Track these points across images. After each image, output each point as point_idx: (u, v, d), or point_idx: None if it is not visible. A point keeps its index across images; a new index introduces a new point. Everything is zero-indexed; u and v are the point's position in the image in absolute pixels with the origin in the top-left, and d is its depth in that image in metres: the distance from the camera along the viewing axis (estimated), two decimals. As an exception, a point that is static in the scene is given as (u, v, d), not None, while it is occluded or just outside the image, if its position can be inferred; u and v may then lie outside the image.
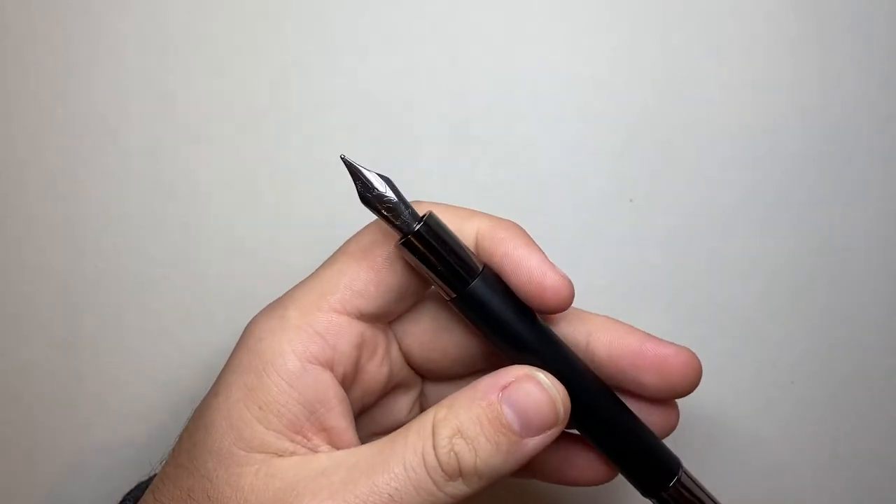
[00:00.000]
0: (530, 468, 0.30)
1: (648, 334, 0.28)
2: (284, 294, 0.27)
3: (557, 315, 0.28)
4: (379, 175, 0.25)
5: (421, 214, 0.25)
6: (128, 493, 0.29)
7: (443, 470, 0.24)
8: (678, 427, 0.35)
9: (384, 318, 0.28)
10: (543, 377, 0.25)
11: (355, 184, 0.25)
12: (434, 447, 0.24)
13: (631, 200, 0.36)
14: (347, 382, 0.27)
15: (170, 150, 0.35)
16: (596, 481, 0.29)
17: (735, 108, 0.35)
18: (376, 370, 0.28)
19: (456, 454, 0.24)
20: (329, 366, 0.26)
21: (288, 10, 0.35)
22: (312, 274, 0.27)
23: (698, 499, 0.28)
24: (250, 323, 0.27)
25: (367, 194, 0.25)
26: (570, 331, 0.28)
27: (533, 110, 0.36)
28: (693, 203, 0.36)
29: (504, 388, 0.25)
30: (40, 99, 0.35)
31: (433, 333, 0.28)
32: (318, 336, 0.26)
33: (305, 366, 0.26)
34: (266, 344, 0.26)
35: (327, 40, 0.35)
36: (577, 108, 0.36)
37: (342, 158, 0.25)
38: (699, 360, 0.27)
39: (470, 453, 0.24)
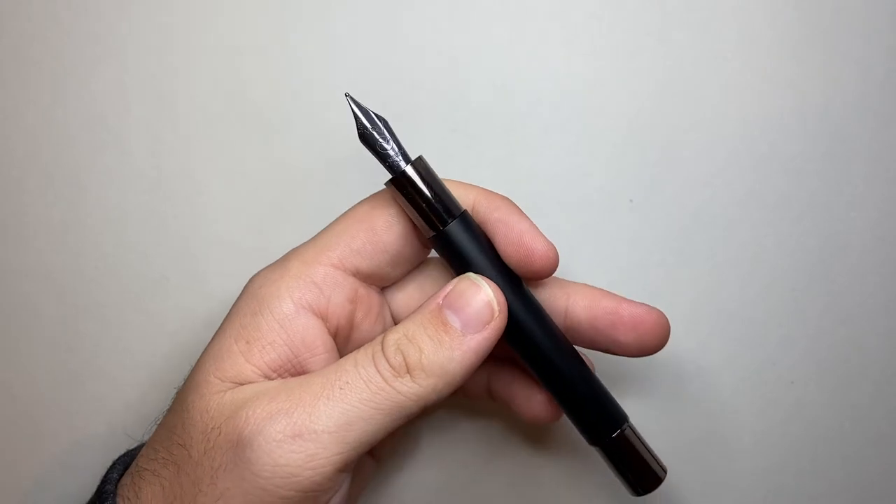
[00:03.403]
0: (494, 398, 0.32)
1: (622, 297, 0.29)
2: (289, 251, 0.29)
3: (538, 281, 0.30)
4: (377, 116, 0.27)
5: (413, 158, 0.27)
6: (117, 459, 0.29)
7: (389, 364, 0.26)
8: (678, 427, 0.35)
9: (379, 280, 0.29)
10: (476, 277, 0.27)
11: (356, 121, 0.27)
12: (383, 348, 0.26)
13: (631, 200, 0.36)
14: (342, 336, 0.29)
15: (170, 150, 0.35)
16: (545, 420, 0.31)
17: (735, 108, 0.36)
18: (370, 328, 0.29)
19: (402, 352, 0.26)
20: (323, 316, 0.28)
21: (288, 9, 0.35)
22: (317, 234, 0.29)
23: (638, 452, 0.29)
24: (254, 275, 0.29)
25: (365, 132, 0.27)
26: (549, 295, 0.30)
27: (533, 110, 0.36)
28: (693, 203, 0.36)
29: (445, 296, 0.27)
30: (40, 99, 0.35)
31: (420, 299, 0.30)
32: (314, 286, 0.27)
33: (299, 310, 0.27)
34: (265, 290, 0.27)
35: (327, 41, 0.35)
36: (577, 108, 0.36)
37: (346, 95, 0.27)
38: (667, 319, 0.29)
39: (415, 350, 0.26)
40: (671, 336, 0.35)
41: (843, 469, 0.36)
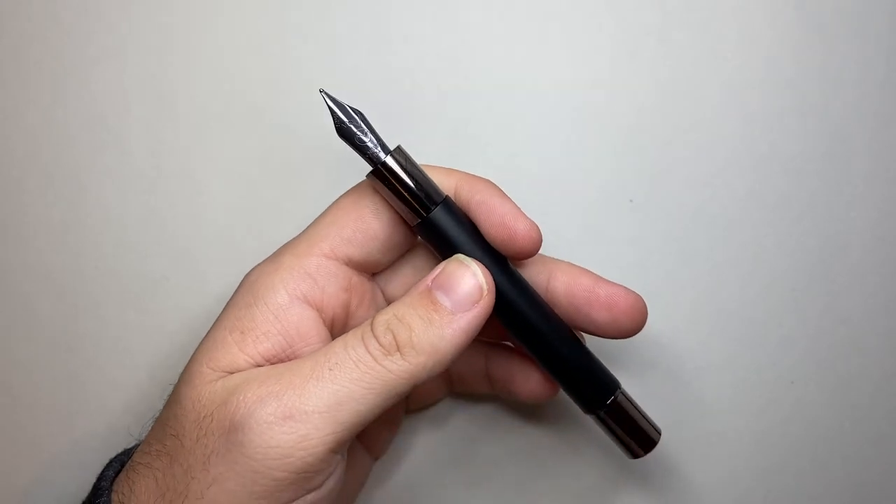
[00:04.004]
0: (492, 383, 0.33)
1: (602, 277, 0.29)
2: (281, 246, 0.29)
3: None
4: (353, 109, 0.27)
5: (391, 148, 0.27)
6: (113, 458, 0.29)
7: (379, 343, 0.26)
8: (678, 427, 0.35)
9: (371, 267, 0.30)
10: (464, 258, 0.27)
11: (332, 116, 0.27)
12: (372, 329, 0.26)
13: (631, 200, 0.36)
14: (338, 326, 0.29)
15: (170, 150, 0.35)
16: (544, 397, 0.32)
17: (735, 108, 0.36)
18: (365, 315, 0.30)
19: (392, 331, 0.26)
20: (318, 307, 0.28)
21: (288, 10, 0.35)
22: (307, 227, 0.29)
23: (632, 417, 0.30)
24: (249, 271, 0.29)
25: (342, 126, 0.27)
26: (532, 272, 0.30)
27: (533, 110, 0.36)
28: (693, 203, 0.36)
29: (434, 278, 0.27)
30: (40, 99, 0.35)
31: (416, 280, 0.30)
32: (308, 277, 0.28)
33: (293, 301, 0.27)
34: (260, 283, 0.28)
35: (327, 40, 0.35)
36: (577, 107, 0.36)
37: (321, 91, 0.27)
38: (645, 303, 0.29)
39: (405, 329, 0.26)
40: (671, 336, 0.36)
41: (843, 469, 0.36)
